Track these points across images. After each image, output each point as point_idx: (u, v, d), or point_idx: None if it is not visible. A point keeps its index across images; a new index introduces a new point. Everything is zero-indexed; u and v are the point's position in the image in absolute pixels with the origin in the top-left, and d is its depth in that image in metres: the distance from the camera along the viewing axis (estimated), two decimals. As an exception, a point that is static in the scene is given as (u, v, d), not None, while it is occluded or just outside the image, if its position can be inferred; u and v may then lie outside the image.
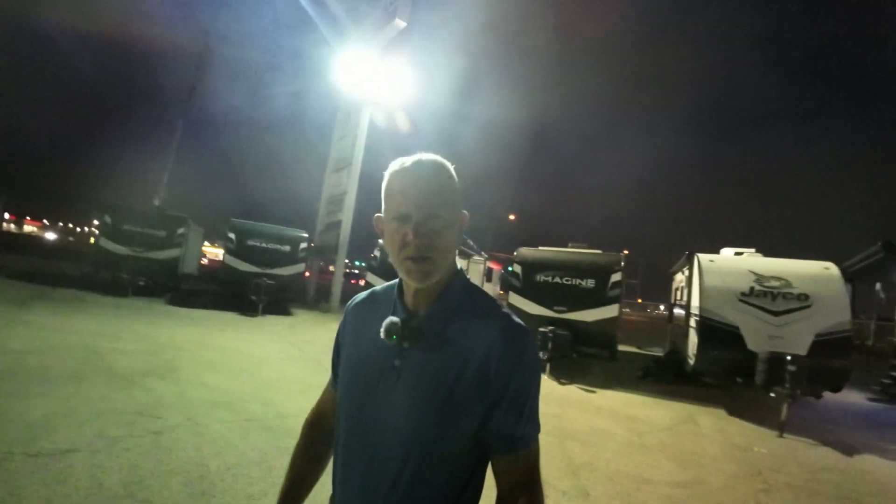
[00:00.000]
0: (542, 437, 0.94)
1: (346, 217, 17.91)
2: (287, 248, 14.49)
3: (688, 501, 3.99)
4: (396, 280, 1.03)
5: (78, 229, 72.47)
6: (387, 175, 0.95)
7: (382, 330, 0.93)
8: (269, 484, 3.29)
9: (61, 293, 11.74)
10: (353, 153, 18.36)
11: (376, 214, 0.98)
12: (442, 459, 0.89)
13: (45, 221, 69.73)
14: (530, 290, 10.44)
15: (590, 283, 9.97)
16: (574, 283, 10.09)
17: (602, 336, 9.90)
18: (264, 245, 14.26)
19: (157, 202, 24.98)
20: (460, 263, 11.86)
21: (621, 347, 12.00)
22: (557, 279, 10.23)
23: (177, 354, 6.82)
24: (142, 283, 13.48)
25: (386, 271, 12.80)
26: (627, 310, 38.32)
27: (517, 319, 0.95)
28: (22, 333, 6.85)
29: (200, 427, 4.18)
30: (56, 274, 15.74)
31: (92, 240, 29.62)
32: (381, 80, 18.67)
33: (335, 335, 1.14)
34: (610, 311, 9.79)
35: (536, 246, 11.40)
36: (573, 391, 8.05)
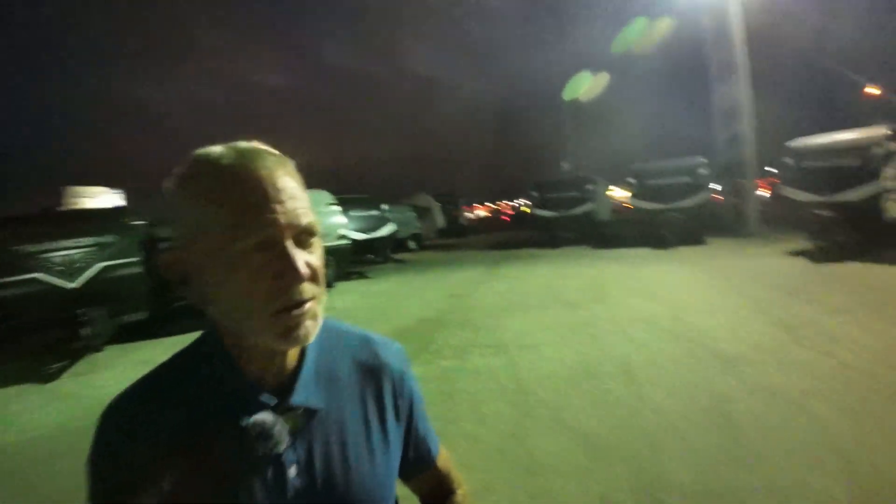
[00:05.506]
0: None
1: (746, 129, 15.97)
2: (686, 178, 14.29)
3: None
4: (184, 350, 0.70)
5: (516, 204, 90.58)
6: (192, 179, 0.58)
7: (257, 443, 0.62)
8: (673, 369, 4.15)
9: (518, 253, 15.79)
10: (733, 53, 16.12)
11: (164, 248, 0.58)
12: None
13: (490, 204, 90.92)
14: None
15: None
16: None
17: None
18: (664, 181, 14.58)
19: (566, 167, 28.91)
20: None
21: None
22: None
23: (606, 286, 8.38)
24: (570, 236, 16.57)
25: (805, 181, 9.84)
26: None
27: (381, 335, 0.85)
28: (502, 283, 10.00)
29: (627, 334, 5.35)
30: (511, 240, 20.92)
31: (524, 209, 36.86)
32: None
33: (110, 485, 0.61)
34: None
35: None
36: None
